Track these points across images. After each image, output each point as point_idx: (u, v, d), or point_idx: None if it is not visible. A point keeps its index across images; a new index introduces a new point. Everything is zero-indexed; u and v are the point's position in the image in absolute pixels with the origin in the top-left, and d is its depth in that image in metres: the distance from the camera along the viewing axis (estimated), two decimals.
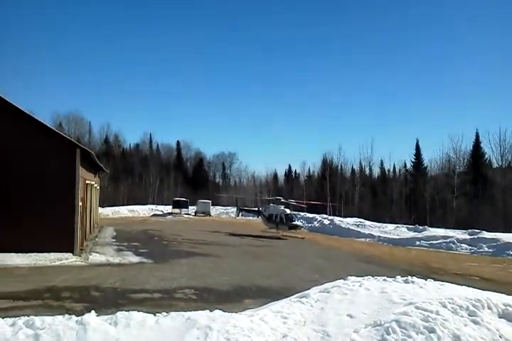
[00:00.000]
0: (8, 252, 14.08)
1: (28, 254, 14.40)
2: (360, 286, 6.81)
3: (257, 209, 36.31)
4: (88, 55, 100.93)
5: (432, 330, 5.01)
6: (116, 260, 15.60)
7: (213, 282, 12.14)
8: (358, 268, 14.79)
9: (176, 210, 50.69)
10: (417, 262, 18.55)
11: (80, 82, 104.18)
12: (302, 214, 40.24)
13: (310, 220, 38.49)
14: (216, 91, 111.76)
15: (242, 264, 15.97)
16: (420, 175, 52.29)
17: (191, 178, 76.02)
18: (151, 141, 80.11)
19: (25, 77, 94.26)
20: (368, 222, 33.12)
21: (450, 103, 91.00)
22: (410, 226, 30.83)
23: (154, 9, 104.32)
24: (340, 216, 43.60)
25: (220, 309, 6.06)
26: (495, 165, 48.17)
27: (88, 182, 20.69)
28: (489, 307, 5.69)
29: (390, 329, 5.04)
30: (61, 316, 5.26)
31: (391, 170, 62.71)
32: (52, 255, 14.65)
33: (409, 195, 52.12)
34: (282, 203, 30.96)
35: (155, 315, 5.47)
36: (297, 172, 78.97)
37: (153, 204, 57.16)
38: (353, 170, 61.37)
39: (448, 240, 24.67)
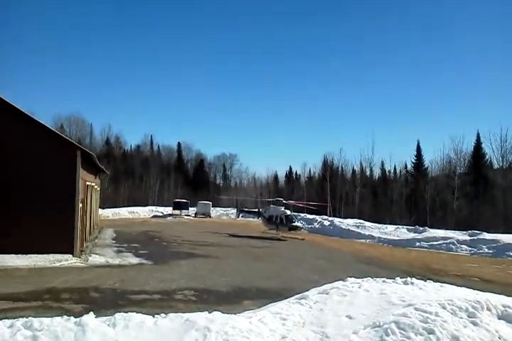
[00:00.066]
0: (8, 253, 14.10)
1: (28, 255, 14.41)
2: (359, 287, 6.80)
3: (257, 210, 36.31)
4: (89, 57, 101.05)
5: (431, 331, 5.01)
6: (116, 261, 15.59)
7: (213, 283, 12.14)
8: (358, 270, 14.78)
9: (176, 212, 50.67)
10: (417, 263, 18.54)
11: (81, 84, 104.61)
12: (302, 215, 40.27)
13: (310, 221, 38.50)
14: (216, 92, 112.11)
15: (241, 265, 15.97)
16: (421, 176, 52.24)
17: (192, 180, 76.06)
18: (151, 143, 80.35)
19: (27, 79, 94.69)
20: (368, 223, 33.12)
21: (451, 104, 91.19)
22: (410, 227, 30.83)
23: (155, 11, 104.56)
24: (341, 217, 43.61)
25: (219, 310, 6.06)
26: (496, 166, 48.19)
27: (89, 184, 20.70)
28: (488, 309, 5.68)
29: (389, 331, 5.03)
30: (59, 317, 5.25)
31: (392, 171, 62.68)
32: (52, 256, 14.67)
33: (409, 195, 52.07)
34: (282, 204, 30.97)
35: (154, 316, 5.47)
36: (298, 173, 79.09)
37: (153, 205, 57.13)
38: (353, 171, 61.38)
39: (448, 241, 24.67)
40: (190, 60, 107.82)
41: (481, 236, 24.04)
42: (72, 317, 5.21)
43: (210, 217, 51.00)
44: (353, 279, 7.50)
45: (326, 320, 5.58)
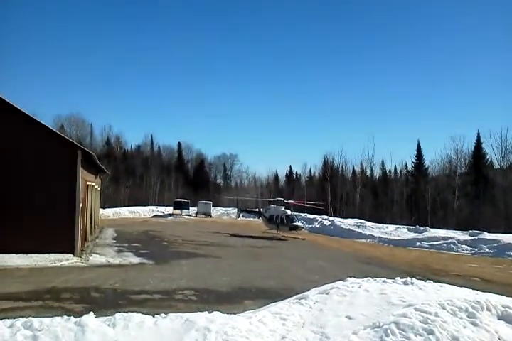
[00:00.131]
0: (8, 253, 14.11)
1: (29, 255, 14.43)
2: (359, 288, 6.80)
3: (257, 210, 36.30)
4: (89, 57, 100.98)
5: (431, 332, 5.00)
6: (117, 261, 15.61)
7: (213, 283, 12.14)
8: (358, 269, 14.78)
9: (177, 211, 50.68)
10: (418, 263, 18.53)
11: (82, 84, 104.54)
12: (303, 215, 40.27)
13: (311, 221, 38.50)
14: (217, 92, 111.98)
15: (242, 265, 15.97)
16: (421, 176, 52.20)
17: (192, 179, 76.02)
18: (152, 143, 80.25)
19: (27, 79, 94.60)
20: (368, 223, 33.10)
21: (451, 104, 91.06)
22: (411, 227, 30.79)
23: (155, 11, 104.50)
24: (341, 217, 43.59)
25: (219, 310, 6.07)
26: (496, 165, 48.22)
27: (89, 184, 20.71)
28: (488, 309, 5.68)
29: (388, 331, 5.03)
30: (59, 317, 5.26)
31: (392, 170, 62.57)
32: (53, 256, 14.68)
33: (410, 195, 52.04)
34: (283, 204, 30.97)
35: (154, 316, 5.48)
36: (298, 173, 78.99)
37: (154, 205, 57.17)
38: (354, 170, 61.30)
39: (449, 241, 24.65)
40: (191, 59, 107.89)
41: (481, 236, 24.02)
42: (72, 317, 5.21)
43: (210, 216, 51.00)
44: (353, 279, 7.50)
45: (326, 320, 5.58)
